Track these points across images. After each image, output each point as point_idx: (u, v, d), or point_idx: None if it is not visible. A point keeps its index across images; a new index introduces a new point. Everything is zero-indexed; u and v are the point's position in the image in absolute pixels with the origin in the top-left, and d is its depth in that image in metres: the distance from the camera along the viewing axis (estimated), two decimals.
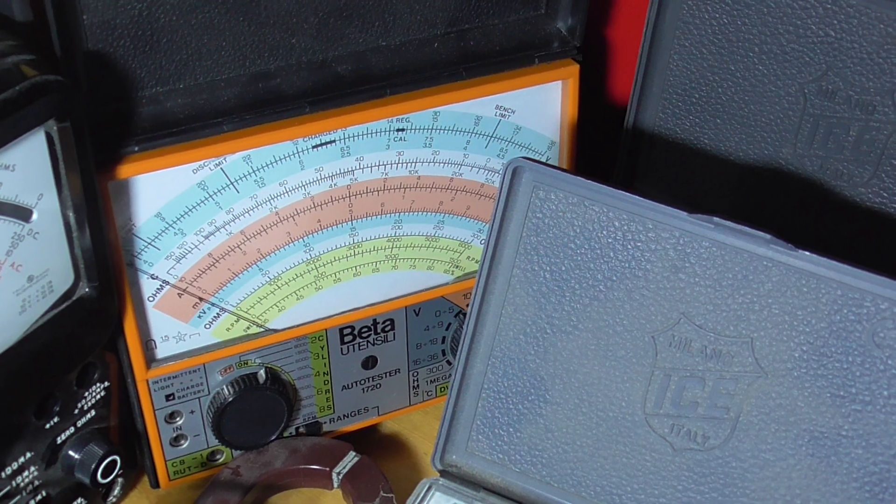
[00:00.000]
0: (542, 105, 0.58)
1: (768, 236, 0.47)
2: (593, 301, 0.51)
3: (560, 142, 0.59)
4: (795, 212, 0.56)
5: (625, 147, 0.60)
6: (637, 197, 0.49)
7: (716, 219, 0.47)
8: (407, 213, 0.58)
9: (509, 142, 0.58)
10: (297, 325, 0.58)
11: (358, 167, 0.56)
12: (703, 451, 0.50)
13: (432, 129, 0.56)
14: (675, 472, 0.51)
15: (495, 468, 0.53)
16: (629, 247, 0.50)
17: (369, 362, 0.60)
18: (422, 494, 0.52)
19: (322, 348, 0.59)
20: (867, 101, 0.53)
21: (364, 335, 0.59)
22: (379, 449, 0.63)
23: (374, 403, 0.62)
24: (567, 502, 0.52)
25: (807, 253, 0.47)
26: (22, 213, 0.47)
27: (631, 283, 0.50)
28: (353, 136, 0.54)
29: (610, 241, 0.50)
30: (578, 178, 0.50)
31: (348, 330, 0.59)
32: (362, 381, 0.61)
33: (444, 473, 0.54)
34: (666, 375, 0.50)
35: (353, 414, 0.62)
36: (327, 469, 0.58)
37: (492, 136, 0.57)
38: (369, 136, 0.55)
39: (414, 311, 0.60)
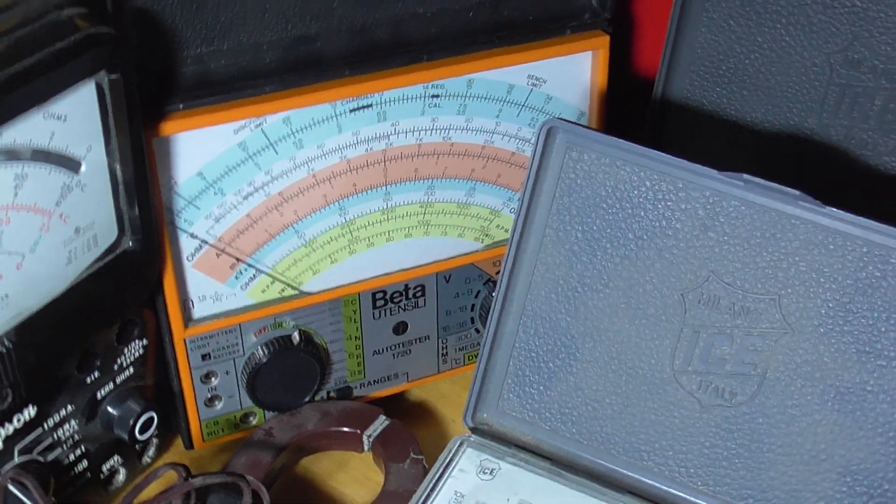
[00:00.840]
0: (573, 75, 0.59)
1: (797, 193, 0.48)
2: (624, 260, 0.52)
3: (589, 112, 0.61)
4: (820, 180, 0.57)
5: (652, 118, 0.61)
6: (668, 156, 0.50)
7: (745, 176, 0.49)
8: (439, 180, 0.59)
9: (540, 111, 0.59)
10: (331, 289, 0.59)
11: (393, 132, 0.57)
12: (731, 407, 0.51)
13: (466, 96, 0.57)
14: (703, 429, 0.52)
15: (525, 426, 0.54)
16: (660, 206, 0.51)
17: (400, 328, 0.62)
18: (453, 451, 0.53)
19: (354, 312, 0.60)
20: (893, 70, 0.54)
21: (395, 300, 0.61)
22: (407, 416, 0.63)
23: (404, 369, 0.63)
24: (596, 459, 0.53)
25: (835, 210, 0.48)
26: (71, 165, 0.49)
27: (661, 241, 0.51)
28: (390, 101, 0.56)
29: (641, 200, 0.51)
30: (611, 138, 0.51)
31: (380, 294, 0.60)
32: (393, 347, 0.62)
33: (475, 431, 0.55)
34: (694, 333, 0.52)
35: (383, 380, 0.63)
36: (358, 431, 0.60)
37: (523, 105, 0.59)
38: (405, 101, 0.56)
39: (444, 277, 0.61)
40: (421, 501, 0.51)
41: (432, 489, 0.52)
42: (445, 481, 0.52)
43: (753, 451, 0.51)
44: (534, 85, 0.59)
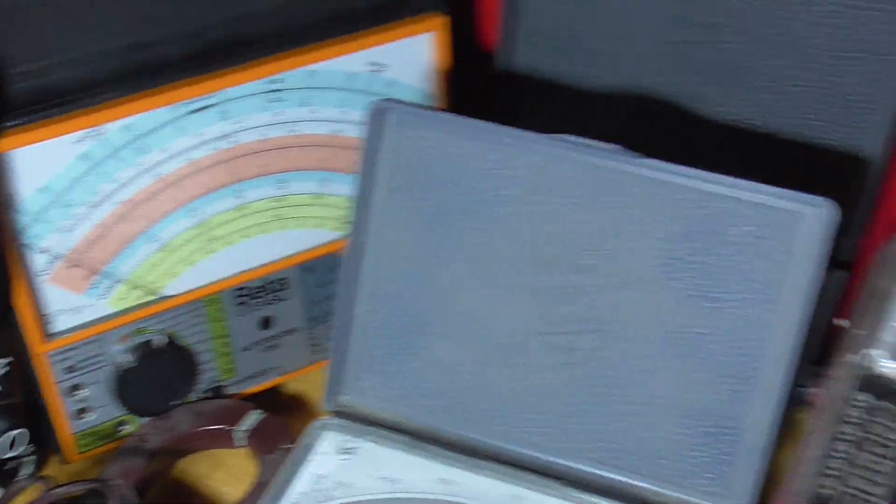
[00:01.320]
0: (414, 58, 0.60)
1: (616, 148, 0.49)
2: (465, 231, 0.53)
3: (436, 93, 0.62)
4: (663, 135, 0.59)
5: (500, 92, 0.62)
6: (495, 126, 0.51)
7: (566, 136, 0.50)
8: (290, 173, 0.60)
9: (385, 96, 0.60)
10: (191, 290, 0.59)
11: (238, 130, 0.57)
12: (578, 363, 0.52)
13: (308, 87, 0.58)
14: (557, 388, 0.53)
15: (385, 404, 0.55)
16: (493, 175, 0.52)
17: (266, 322, 0.62)
18: (313, 435, 0.54)
19: (218, 311, 0.60)
20: (715, 23, 0.56)
21: (258, 296, 0.61)
22: (286, 408, 0.64)
23: (276, 363, 0.64)
24: (456, 430, 0.54)
25: (653, 161, 0.49)
26: None
27: (499, 209, 0.52)
28: (230, 99, 0.56)
29: (475, 171, 0.52)
30: (440, 113, 0.52)
31: (242, 291, 0.60)
32: (261, 342, 0.63)
33: (335, 414, 0.55)
34: (537, 295, 0.53)
35: (255, 375, 0.63)
36: (231, 428, 0.60)
37: (368, 92, 0.60)
38: (246, 98, 0.57)
39: (307, 268, 0.62)
40: (279, 485, 0.51)
41: (291, 474, 0.52)
42: (306, 466, 0.53)
43: (601, 405, 0.53)
44: (375, 71, 0.60)
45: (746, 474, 0.51)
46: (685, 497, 0.52)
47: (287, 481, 0.52)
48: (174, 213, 0.58)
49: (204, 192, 0.58)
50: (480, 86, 0.64)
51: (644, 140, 0.59)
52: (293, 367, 0.65)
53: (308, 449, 0.54)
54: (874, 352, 0.50)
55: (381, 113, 0.52)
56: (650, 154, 0.50)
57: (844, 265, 0.61)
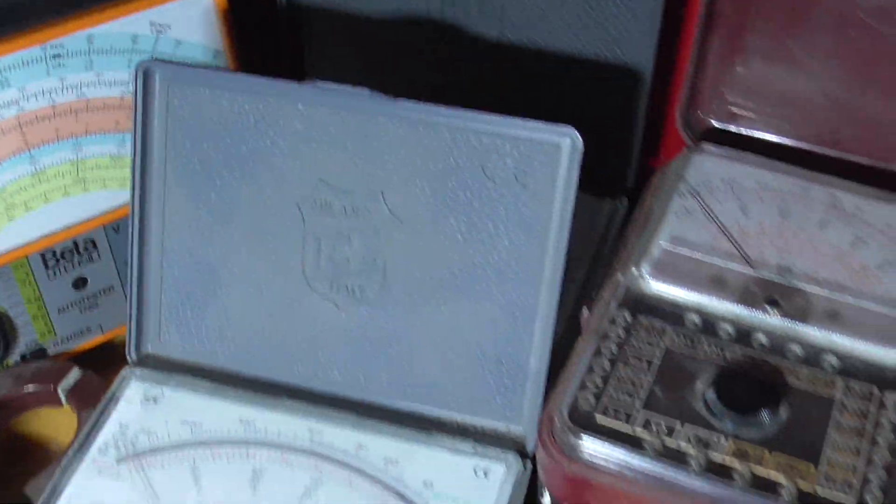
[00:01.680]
0: (195, 16, 0.61)
1: (367, 92, 0.51)
2: (242, 184, 0.55)
3: (224, 49, 0.63)
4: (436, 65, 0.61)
5: (285, 32, 0.64)
6: (258, 79, 0.53)
7: (318, 83, 0.52)
8: (84, 136, 0.61)
9: (172, 57, 0.61)
10: None
11: (22, 97, 0.58)
12: (363, 303, 0.55)
13: (90, 52, 0.59)
14: (344, 329, 0.56)
15: (186, 353, 0.57)
16: (261, 127, 0.54)
17: (79, 283, 0.64)
18: (118, 385, 0.56)
19: (27, 275, 0.62)
20: None
21: (67, 258, 0.63)
22: (114, 366, 0.66)
23: (96, 322, 0.65)
24: (254, 373, 0.57)
25: (407, 102, 0.51)
26: None
27: (270, 160, 0.54)
28: (9, 68, 0.57)
29: (244, 124, 0.54)
30: (207, 70, 0.54)
31: (50, 254, 0.62)
32: (77, 303, 0.64)
33: (139, 363, 0.57)
34: (316, 240, 0.55)
35: (76, 335, 0.65)
36: (51, 387, 0.62)
37: (153, 53, 0.61)
38: (26, 65, 0.58)
39: (114, 228, 0.63)
40: (84, 437, 0.54)
41: (97, 425, 0.54)
42: (111, 415, 0.55)
43: (391, 344, 0.55)
44: (158, 32, 0.60)
45: (531, 398, 0.54)
46: (477, 422, 0.55)
47: (92, 432, 0.54)
48: None
49: None
50: (265, 30, 0.65)
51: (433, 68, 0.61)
52: (115, 324, 0.66)
53: (114, 399, 0.56)
54: (635, 270, 0.53)
55: (147, 74, 0.54)
56: (412, 93, 0.52)
57: (626, 192, 0.64)
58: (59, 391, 0.62)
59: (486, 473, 0.53)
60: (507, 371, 0.54)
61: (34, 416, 0.63)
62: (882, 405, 0.48)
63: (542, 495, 0.51)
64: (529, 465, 0.53)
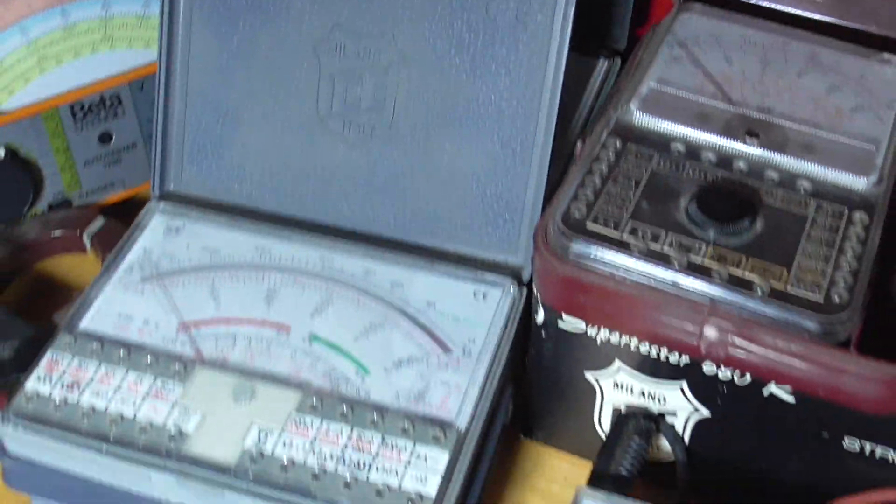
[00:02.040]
0: None
1: None
2: (262, 29, 0.59)
3: None
4: None
5: None
6: None
7: None
8: None
9: None
10: (27, 105, 0.65)
11: None
12: (374, 140, 0.59)
13: None
14: (359, 164, 0.60)
15: (207, 189, 0.62)
16: None
17: (105, 138, 0.68)
18: (144, 216, 0.60)
19: (57, 125, 0.66)
20: None
21: (94, 111, 0.67)
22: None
23: (120, 177, 0.69)
24: (273, 208, 0.61)
25: None
26: None
27: (290, 5, 0.58)
28: None
29: None
30: None
31: (78, 107, 0.66)
32: (102, 157, 0.68)
33: (162, 198, 0.62)
34: (331, 81, 0.59)
35: (100, 189, 0.69)
36: (77, 232, 0.66)
37: None
38: None
39: (138, 86, 0.67)
40: (112, 259, 0.58)
41: (121, 249, 0.59)
42: (135, 241, 0.59)
43: (398, 180, 0.59)
44: None
45: (527, 231, 0.58)
46: (477, 253, 0.59)
47: (119, 256, 0.58)
48: (2, 33, 0.63)
49: (30, 13, 0.63)
50: None
51: None
52: (137, 181, 0.70)
53: (139, 229, 0.60)
54: (625, 106, 0.57)
55: None
56: None
57: (619, 53, 0.68)
58: (84, 237, 0.66)
59: (484, 296, 0.57)
60: (505, 206, 0.58)
61: (60, 261, 0.67)
62: (850, 221, 0.52)
63: (535, 312, 0.55)
64: (525, 291, 0.57)
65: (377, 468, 0.50)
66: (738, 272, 0.50)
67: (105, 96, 0.66)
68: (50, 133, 0.66)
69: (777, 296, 0.49)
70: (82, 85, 0.66)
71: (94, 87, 0.66)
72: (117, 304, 0.57)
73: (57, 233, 0.66)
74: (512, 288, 0.57)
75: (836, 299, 0.49)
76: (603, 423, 0.57)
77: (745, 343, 0.48)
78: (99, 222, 0.66)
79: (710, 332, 0.49)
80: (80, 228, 0.66)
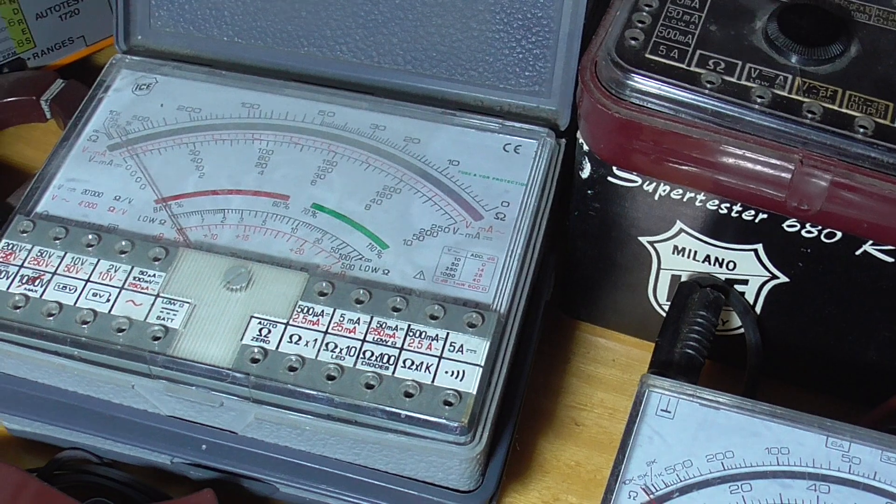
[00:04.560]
0: None
1: None
2: None
3: None
4: None
5: None
6: None
7: None
8: None
9: None
10: None
11: None
12: None
13: None
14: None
15: (181, 38, 0.52)
16: None
17: None
18: (107, 75, 0.51)
19: None
20: None
21: None
22: None
23: (79, 32, 0.60)
24: (260, 58, 0.51)
25: None
26: None
27: None
28: None
29: None
30: None
31: None
32: (58, 7, 0.58)
33: (129, 52, 0.52)
34: None
35: (57, 46, 0.59)
36: (34, 98, 0.57)
37: None
38: None
39: None
40: (73, 125, 0.48)
41: (87, 114, 0.49)
42: (101, 104, 0.50)
43: (406, 9, 0.50)
44: None
45: (564, 68, 0.48)
46: (504, 99, 0.50)
47: (82, 120, 0.49)
48: None
49: None
50: None
51: None
52: (98, 36, 0.61)
53: (103, 88, 0.51)
54: None
55: None
56: None
57: None
58: (42, 102, 0.57)
59: (517, 150, 0.48)
60: (535, 38, 0.49)
61: (16, 133, 0.58)
62: None
63: (581, 169, 0.46)
64: (563, 142, 0.49)
65: (404, 363, 0.41)
66: (833, 107, 0.41)
67: None
68: None
69: (883, 135, 0.40)
70: None
71: None
72: (82, 179, 0.47)
73: (11, 100, 0.57)
74: (549, 139, 0.48)
75: None
76: (658, 296, 0.49)
77: (846, 194, 0.40)
78: (58, 85, 0.57)
79: (803, 182, 0.40)
80: (36, 94, 0.56)
